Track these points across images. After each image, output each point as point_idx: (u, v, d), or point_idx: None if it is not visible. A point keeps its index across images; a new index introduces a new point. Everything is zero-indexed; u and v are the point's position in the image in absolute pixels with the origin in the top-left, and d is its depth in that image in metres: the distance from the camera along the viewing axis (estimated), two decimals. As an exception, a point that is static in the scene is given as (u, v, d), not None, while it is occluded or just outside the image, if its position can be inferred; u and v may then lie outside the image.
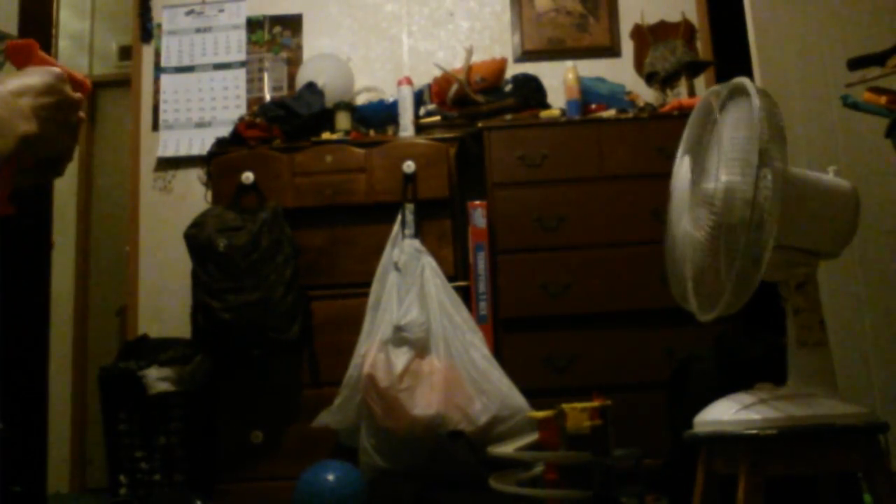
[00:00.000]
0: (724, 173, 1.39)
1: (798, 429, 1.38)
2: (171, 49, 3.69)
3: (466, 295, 2.84)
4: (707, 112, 1.55)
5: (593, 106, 3.15)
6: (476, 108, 3.15)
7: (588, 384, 2.58)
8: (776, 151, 1.36)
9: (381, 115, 3.24)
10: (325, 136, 3.07)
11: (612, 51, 3.58)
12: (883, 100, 1.92)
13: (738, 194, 1.37)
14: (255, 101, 3.56)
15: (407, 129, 3.10)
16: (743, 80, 1.46)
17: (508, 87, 3.22)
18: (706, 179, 1.47)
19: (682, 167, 1.58)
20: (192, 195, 3.47)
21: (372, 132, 3.18)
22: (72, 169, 4.18)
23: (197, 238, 2.78)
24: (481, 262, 2.88)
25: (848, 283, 2.52)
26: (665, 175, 1.69)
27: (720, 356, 2.03)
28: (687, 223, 1.50)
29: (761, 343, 1.98)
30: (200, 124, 3.60)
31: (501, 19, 3.65)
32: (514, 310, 2.85)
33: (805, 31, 2.77)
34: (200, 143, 3.52)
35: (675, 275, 1.59)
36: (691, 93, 3.19)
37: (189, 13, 3.71)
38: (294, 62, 3.63)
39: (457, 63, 3.40)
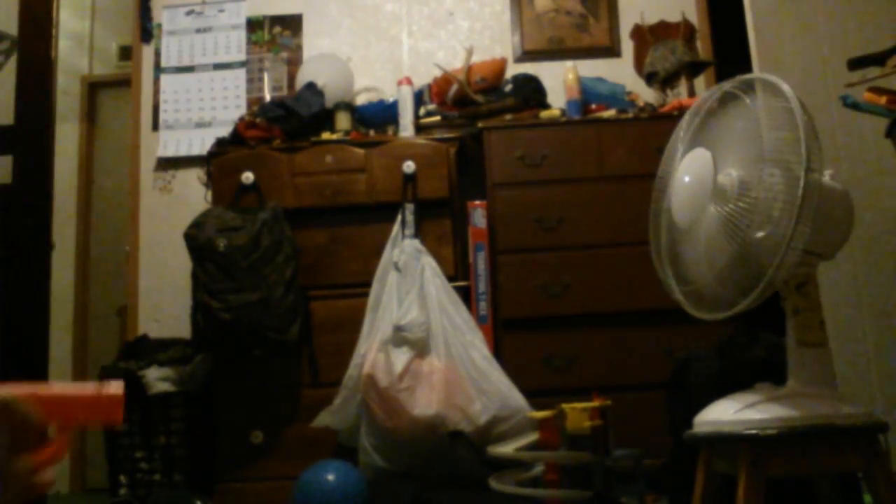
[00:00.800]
0: (765, 173, 1.38)
1: (798, 429, 1.37)
2: (171, 49, 3.69)
3: (466, 295, 2.84)
4: (707, 106, 1.55)
5: (593, 106, 3.15)
6: (476, 108, 3.16)
7: (588, 384, 2.57)
8: (816, 156, 1.36)
9: (381, 115, 3.24)
10: (325, 136, 3.07)
11: (612, 51, 3.58)
12: (883, 100, 1.92)
13: (767, 195, 1.36)
14: (255, 101, 3.56)
15: (407, 129, 3.10)
16: (772, 78, 1.46)
17: (508, 87, 3.22)
18: (721, 175, 1.46)
19: (693, 160, 1.54)
20: (192, 195, 3.47)
21: (372, 132, 3.18)
22: (72, 169, 4.19)
23: (197, 238, 2.77)
24: (481, 262, 2.88)
25: (848, 283, 2.52)
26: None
27: (720, 356, 2.03)
28: (700, 219, 1.48)
29: (761, 343, 1.97)
30: (200, 124, 3.60)
31: (501, 19, 3.65)
32: (514, 310, 2.85)
33: (805, 31, 2.77)
34: (200, 143, 3.52)
35: (665, 267, 1.59)
36: (691, 93, 3.19)
37: (189, 13, 3.71)
38: (294, 62, 3.63)
39: (457, 63, 3.40)
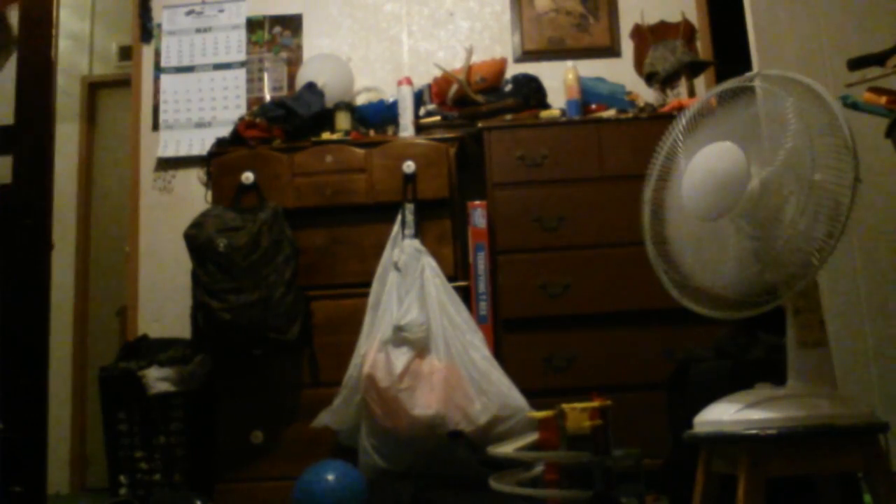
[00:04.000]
0: (817, 174, 1.38)
1: (798, 429, 1.37)
2: (171, 49, 3.69)
3: (466, 295, 2.84)
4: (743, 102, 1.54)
5: (593, 106, 3.15)
6: (476, 108, 3.16)
7: (588, 384, 2.57)
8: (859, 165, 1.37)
9: (381, 115, 3.24)
10: (325, 136, 3.07)
11: (612, 51, 3.58)
12: (883, 100, 1.92)
13: (797, 197, 1.37)
14: (255, 101, 3.56)
15: (407, 129, 3.10)
16: (812, 83, 1.45)
17: (508, 87, 3.22)
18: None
19: (718, 155, 1.51)
20: (192, 195, 3.47)
21: (372, 132, 3.18)
22: (72, 169, 4.19)
23: (197, 238, 2.77)
24: (481, 262, 2.88)
25: (848, 283, 2.52)
26: (666, 175, 1.69)
27: (720, 356, 2.03)
28: (725, 216, 1.47)
29: (761, 343, 1.97)
30: (200, 124, 3.60)
31: (501, 19, 3.65)
32: (514, 310, 2.85)
33: (805, 31, 2.77)
34: (200, 143, 3.52)
35: (668, 256, 1.59)
36: (691, 93, 3.20)
37: (189, 13, 3.71)
38: (294, 62, 3.63)
39: (457, 63, 3.40)
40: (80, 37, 4.39)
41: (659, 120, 2.96)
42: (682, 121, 1.65)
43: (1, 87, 2.83)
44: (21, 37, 2.82)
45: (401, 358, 2.61)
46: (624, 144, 2.93)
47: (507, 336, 2.84)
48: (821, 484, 1.62)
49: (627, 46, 3.57)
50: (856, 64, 2.07)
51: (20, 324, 2.67)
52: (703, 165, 1.53)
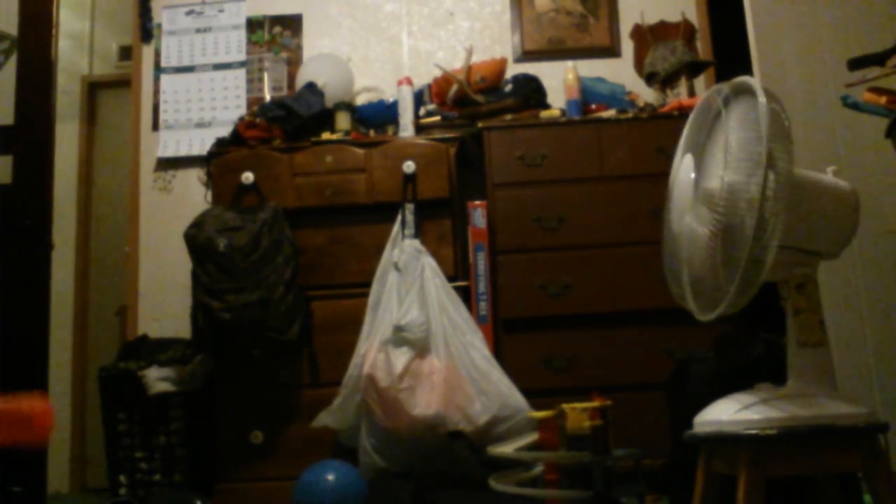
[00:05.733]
0: (729, 173, 1.39)
1: (798, 429, 1.37)
2: (171, 49, 3.69)
3: (466, 295, 2.84)
4: (707, 111, 1.55)
5: (593, 106, 3.16)
6: (476, 108, 3.16)
7: (588, 384, 2.58)
8: (782, 152, 1.36)
9: (381, 115, 3.24)
10: (325, 136, 3.07)
11: (612, 51, 3.58)
12: (883, 100, 1.92)
13: (743, 195, 1.37)
14: (255, 101, 3.56)
15: (407, 129, 3.10)
16: (747, 79, 1.46)
17: (508, 87, 3.22)
18: (708, 178, 1.47)
19: (683, 166, 1.57)
20: (192, 195, 3.47)
21: (372, 132, 3.18)
22: (72, 169, 4.19)
23: (197, 238, 2.77)
24: (481, 262, 2.88)
25: (848, 283, 2.52)
26: (665, 175, 1.69)
27: (720, 356, 2.03)
28: (688, 223, 1.50)
29: (761, 343, 1.98)
30: (200, 124, 3.60)
31: (501, 19, 3.65)
32: (514, 310, 2.85)
33: (805, 31, 2.77)
34: (200, 143, 3.52)
35: (673, 274, 1.59)
36: (691, 93, 3.20)
37: (189, 13, 3.71)
38: (294, 62, 3.63)
39: (457, 63, 3.41)
40: (80, 37, 4.39)
41: (659, 120, 2.96)
42: (682, 139, 1.66)
43: (1, 87, 2.83)
44: (21, 37, 2.82)
45: (401, 358, 2.61)
46: (624, 144, 2.93)
47: (506, 336, 2.84)
48: (821, 484, 1.62)
49: (627, 46, 3.57)
50: (856, 64, 2.07)
51: (20, 324, 2.67)
52: (678, 178, 1.58)
